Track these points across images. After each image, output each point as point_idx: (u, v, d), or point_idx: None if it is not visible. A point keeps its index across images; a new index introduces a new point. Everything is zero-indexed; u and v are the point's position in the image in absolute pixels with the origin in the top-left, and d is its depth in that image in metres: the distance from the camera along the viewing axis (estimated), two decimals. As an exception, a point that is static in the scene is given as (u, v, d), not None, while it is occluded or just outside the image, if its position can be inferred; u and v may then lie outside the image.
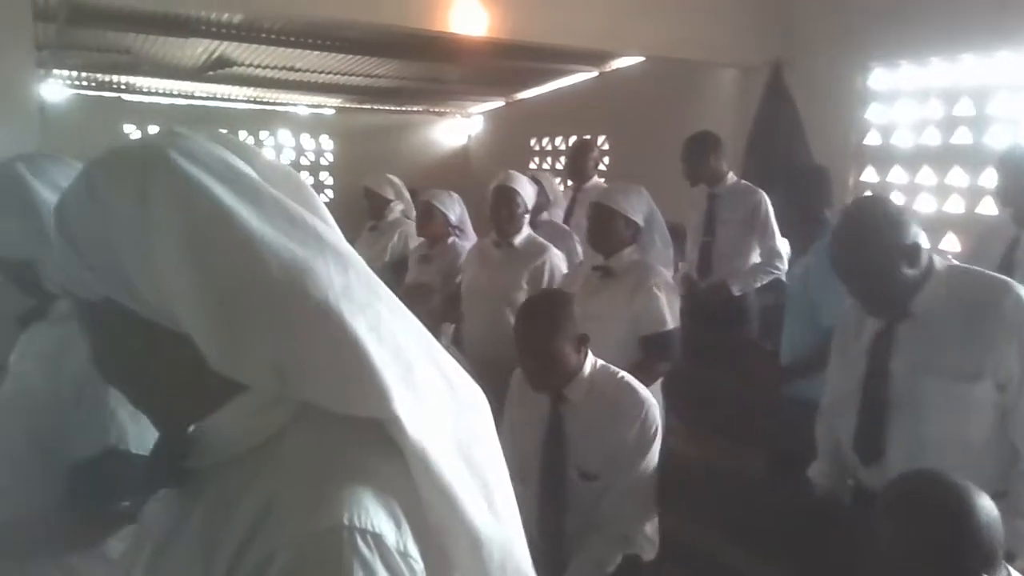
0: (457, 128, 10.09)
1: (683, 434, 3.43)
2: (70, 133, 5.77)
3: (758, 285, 4.05)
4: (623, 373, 2.35)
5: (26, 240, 1.48)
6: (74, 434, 1.45)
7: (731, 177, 4.21)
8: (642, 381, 2.38)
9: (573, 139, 8.32)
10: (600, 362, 2.35)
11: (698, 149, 4.15)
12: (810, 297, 2.95)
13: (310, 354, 0.69)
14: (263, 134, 9.12)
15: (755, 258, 4.08)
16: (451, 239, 4.12)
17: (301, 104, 9.13)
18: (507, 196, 3.54)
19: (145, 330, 0.73)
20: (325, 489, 0.68)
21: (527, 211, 3.61)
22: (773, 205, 3.88)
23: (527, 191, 3.60)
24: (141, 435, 1.39)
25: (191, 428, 0.79)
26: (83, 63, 7.08)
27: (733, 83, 6.27)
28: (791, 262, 3.82)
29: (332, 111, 9.38)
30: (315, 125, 9.44)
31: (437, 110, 9.83)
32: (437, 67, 7.45)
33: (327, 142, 9.53)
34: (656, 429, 2.27)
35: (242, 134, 8.93)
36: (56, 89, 7.76)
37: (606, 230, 3.05)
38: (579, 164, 4.93)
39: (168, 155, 0.71)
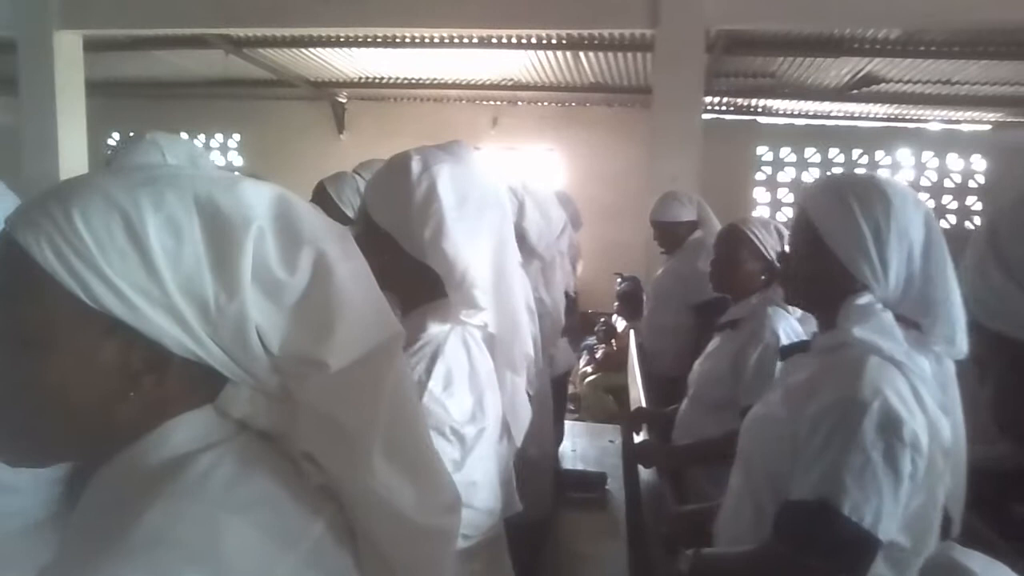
0: None
1: None
2: (708, 155, 5.71)
3: None
4: None
5: None
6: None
7: None
8: None
9: None
10: None
11: None
12: None
13: None
14: (901, 153, 8.38)
15: None
16: None
17: (934, 120, 8.20)
18: None
19: None
20: None
21: None
22: None
23: None
24: None
25: None
26: (728, 88, 7.43)
27: None
28: None
29: (987, 127, 8.16)
30: (958, 142, 8.31)
31: None
32: None
33: (978, 162, 8.30)
34: None
35: (879, 154, 8.38)
36: (698, 114, 8.30)
37: None
38: None
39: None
